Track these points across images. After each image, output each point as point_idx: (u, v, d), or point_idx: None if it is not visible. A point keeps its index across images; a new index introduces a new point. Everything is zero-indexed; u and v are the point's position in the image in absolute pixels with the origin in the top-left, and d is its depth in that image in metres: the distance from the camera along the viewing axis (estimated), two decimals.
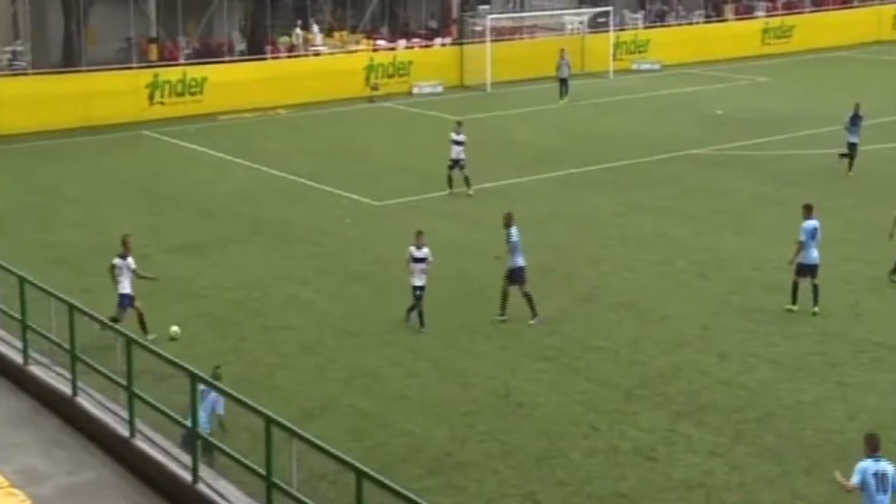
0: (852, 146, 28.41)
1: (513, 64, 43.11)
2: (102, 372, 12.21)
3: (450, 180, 26.86)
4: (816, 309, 18.79)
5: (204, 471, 10.76)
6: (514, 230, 18.72)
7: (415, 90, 42.02)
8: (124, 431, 11.59)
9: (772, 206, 25.76)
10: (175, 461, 11.07)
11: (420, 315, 18.26)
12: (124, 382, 11.56)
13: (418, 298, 18.25)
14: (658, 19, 50.14)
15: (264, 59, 40.34)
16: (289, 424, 10.08)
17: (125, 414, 11.68)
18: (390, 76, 42.15)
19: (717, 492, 13.23)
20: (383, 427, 15.03)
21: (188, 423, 11.07)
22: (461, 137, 26.78)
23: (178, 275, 21.24)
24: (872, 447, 10.90)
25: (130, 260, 17.94)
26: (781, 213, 25.12)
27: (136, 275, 17.97)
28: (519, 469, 13.85)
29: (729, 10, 52.28)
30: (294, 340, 18.11)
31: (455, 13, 46.41)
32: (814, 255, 18.83)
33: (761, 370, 16.65)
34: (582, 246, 23.01)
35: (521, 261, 18.67)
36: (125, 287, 17.82)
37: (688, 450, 14.19)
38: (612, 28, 45.76)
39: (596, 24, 46.11)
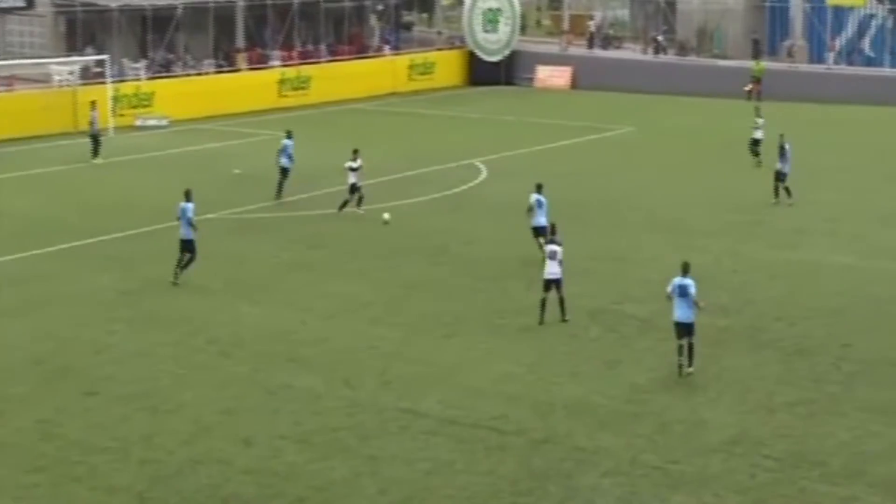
0: (781, 174, 32.78)
1: None
2: None
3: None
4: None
5: None
6: None
7: None
8: None
9: (297, 272, 26.60)
10: None
11: None
12: None
13: None
14: (163, 69, 50.37)
15: None
16: None
17: None
18: None
19: None
20: None
21: None
22: (357, 164, 31.41)
23: None
24: (683, 271, 19.51)
25: None
26: (307, 279, 26.06)
27: None
28: None
29: (242, 59, 53.79)
30: None
31: None
32: (541, 220, 25.97)
33: (289, 452, 17.00)
34: (82, 332, 22.31)
35: None
36: None
37: None
38: (109, 79, 45.20)
39: (90, 76, 45.33)
